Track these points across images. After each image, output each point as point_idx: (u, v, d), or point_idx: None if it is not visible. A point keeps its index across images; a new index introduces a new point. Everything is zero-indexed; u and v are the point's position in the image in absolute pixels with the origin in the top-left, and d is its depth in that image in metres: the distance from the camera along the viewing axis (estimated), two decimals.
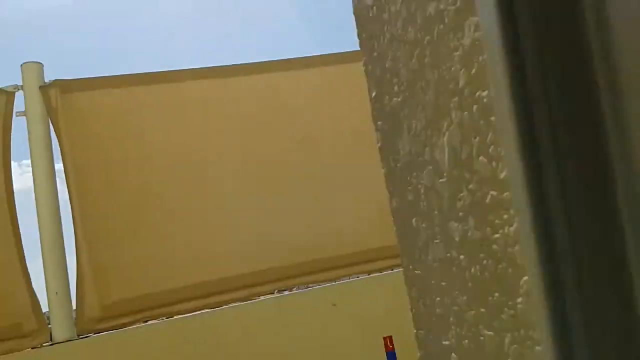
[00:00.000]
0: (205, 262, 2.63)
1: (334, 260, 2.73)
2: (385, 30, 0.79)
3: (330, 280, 2.72)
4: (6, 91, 2.64)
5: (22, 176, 2.69)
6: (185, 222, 2.67)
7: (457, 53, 0.61)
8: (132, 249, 2.60)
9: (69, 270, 2.55)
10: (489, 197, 0.59)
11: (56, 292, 2.50)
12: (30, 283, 2.51)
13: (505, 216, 0.56)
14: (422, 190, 0.76)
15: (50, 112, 2.66)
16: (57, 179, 2.68)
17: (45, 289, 2.50)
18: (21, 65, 2.67)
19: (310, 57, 2.97)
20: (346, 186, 2.84)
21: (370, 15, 0.84)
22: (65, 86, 2.69)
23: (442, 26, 0.64)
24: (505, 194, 0.56)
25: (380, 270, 2.73)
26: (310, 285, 2.69)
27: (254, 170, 2.78)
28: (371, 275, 2.75)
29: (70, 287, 2.53)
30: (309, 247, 2.73)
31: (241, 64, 2.85)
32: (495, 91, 0.53)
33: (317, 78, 2.94)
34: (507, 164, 0.54)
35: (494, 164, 0.57)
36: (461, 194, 0.65)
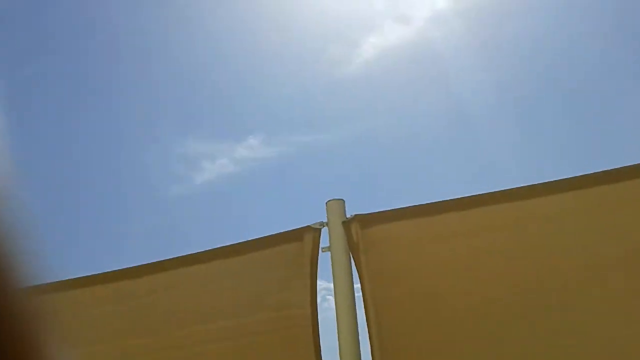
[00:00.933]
0: None
1: None
2: None
3: None
4: (313, 228, 2.87)
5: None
6: None
7: None
8: None
9: None
10: None
11: None
12: None
13: None
14: None
15: (351, 246, 2.82)
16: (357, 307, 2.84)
17: None
18: (326, 202, 2.89)
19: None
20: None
21: None
22: (365, 220, 2.83)
23: None
24: None
25: None
26: None
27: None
28: None
29: None
30: None
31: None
32: None
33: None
34: None
35: None
36: None
